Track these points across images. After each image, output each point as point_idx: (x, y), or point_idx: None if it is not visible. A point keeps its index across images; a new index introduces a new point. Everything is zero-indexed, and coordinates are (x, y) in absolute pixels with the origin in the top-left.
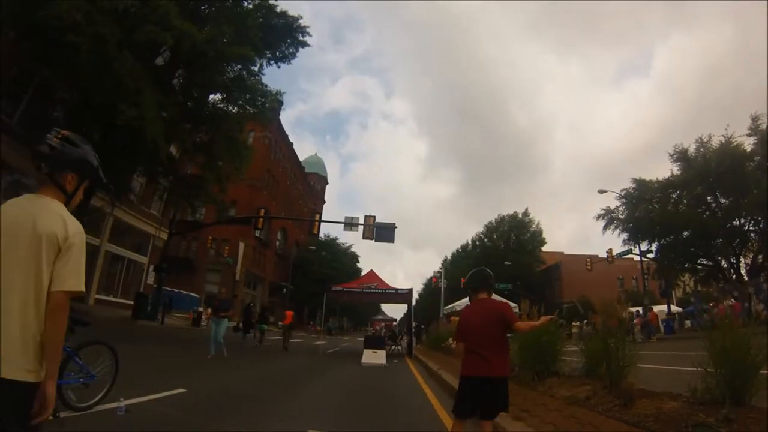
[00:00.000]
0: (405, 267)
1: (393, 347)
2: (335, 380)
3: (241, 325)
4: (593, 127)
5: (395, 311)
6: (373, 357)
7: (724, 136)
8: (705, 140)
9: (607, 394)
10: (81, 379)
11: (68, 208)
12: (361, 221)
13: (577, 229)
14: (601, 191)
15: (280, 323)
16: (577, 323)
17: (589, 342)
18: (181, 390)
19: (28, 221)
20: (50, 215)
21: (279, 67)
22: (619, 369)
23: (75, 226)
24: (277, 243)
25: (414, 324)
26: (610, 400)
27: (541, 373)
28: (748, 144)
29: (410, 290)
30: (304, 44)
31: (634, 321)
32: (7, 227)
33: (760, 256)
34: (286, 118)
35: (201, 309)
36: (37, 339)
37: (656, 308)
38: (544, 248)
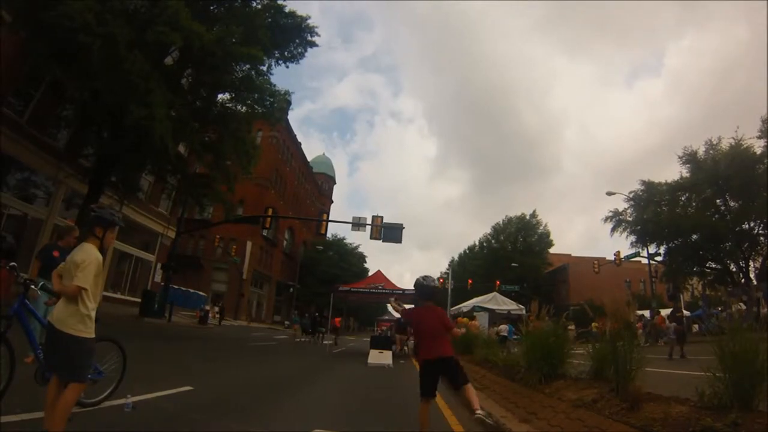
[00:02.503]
0: (413, 267)
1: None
2: (342, 379)
3: (310, 329)
4: (602, 128)
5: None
6: (379, 357)
7: (734, 138)
8: (715, 142)
9: (614, 398)
10: (89, 376)
11: (103, 247)
12: (369, 221)
13: (584, 231)
14: (610, 193)
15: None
16: (572, 327)
17: (596, 344)
18: (188, 387)
19: (73, 255)
20: (82, 252)
21: (287, 67)
22: (626, 372)
23: (91, 257)
24: (285, 242)
25: None
26: (617, 403)
27: (548, 376)
28: (759, 146)
29: None
30: (313, 44)
31: (637, 324)
32: (71, 259)
33: None
34: (293, 115)
35: (208, 308)
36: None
37: (663, 312)
38: (552, 250)
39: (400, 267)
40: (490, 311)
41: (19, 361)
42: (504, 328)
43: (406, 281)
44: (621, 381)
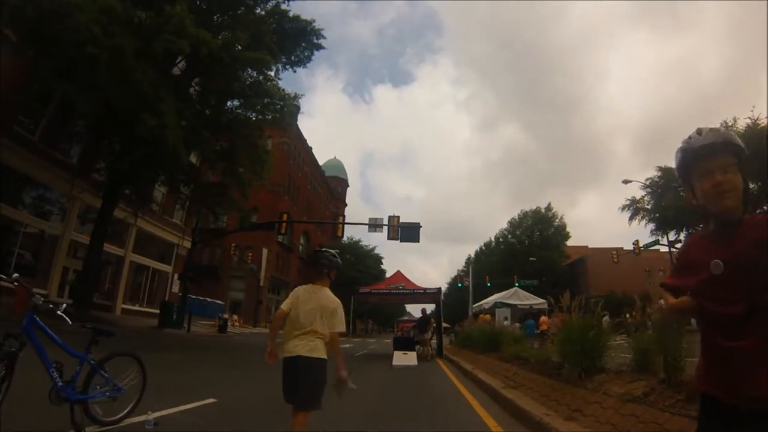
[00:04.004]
0: (435, 264)
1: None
2: (370, 381)
3: None
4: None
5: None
6: (404, 358)
7: (750, 118)
8: (730, 123)
9: (666, 390)
10: (107, 393)
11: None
12: (386, 222)
13: (601, 221)
14: (626, 181)
15: None
16: (606, 317)
17: (637, 335)
18: (211, 400)
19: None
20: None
21: (295, 71)
22: (675, 362)
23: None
24: (300, 247)
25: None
26: (671, 395)
27: (587, 370)
28: None
29: (439, 289)
30: (319, 47)
31: None
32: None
33: None
34: (302, 116)
35: (226, 316)
36: None
37: None
38: (569, 242)
39: (423, 265)
40: (512, 306)
41: (15, 383)
42: (517, 326)
43: (429, 278)
44: (670, 372)
